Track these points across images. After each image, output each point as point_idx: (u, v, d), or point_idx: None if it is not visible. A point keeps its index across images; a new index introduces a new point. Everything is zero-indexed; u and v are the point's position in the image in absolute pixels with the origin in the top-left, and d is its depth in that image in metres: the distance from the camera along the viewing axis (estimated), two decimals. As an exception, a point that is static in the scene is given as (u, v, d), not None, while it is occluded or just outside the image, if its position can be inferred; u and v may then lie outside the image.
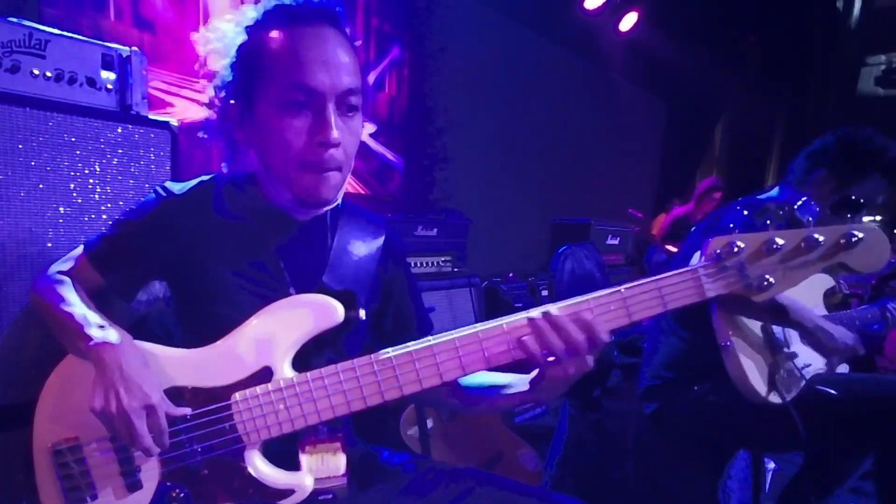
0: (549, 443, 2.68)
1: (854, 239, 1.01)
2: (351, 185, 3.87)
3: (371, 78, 3.96)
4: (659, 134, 8.06)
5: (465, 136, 4.52)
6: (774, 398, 1.84)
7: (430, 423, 2.30)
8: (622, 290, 1.01)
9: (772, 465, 2.66)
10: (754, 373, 1.85)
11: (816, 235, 1.02)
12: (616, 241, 4.43)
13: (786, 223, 1.90)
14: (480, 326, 1.03)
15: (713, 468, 2.24)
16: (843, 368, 2.10)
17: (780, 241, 1.02)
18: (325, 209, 1.20)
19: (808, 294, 2.05)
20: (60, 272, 1.18)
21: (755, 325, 1.90)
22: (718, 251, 1.03)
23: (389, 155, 4.14)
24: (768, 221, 2.02)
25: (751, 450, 2.28)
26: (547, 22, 5.27)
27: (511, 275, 3.42)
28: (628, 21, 6.07)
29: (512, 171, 5.16)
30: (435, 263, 2.99)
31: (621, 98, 6.93)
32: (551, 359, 1.00)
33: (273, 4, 1.11)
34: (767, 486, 2.52)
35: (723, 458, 2.27)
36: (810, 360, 1.96)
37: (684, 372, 2.06)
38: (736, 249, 1.02)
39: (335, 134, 1.06)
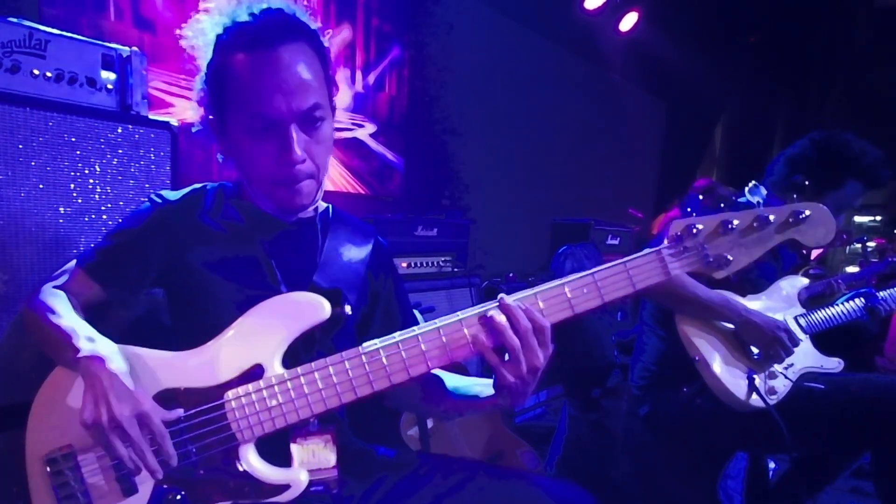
0: (549, 443, 2.68)
1: (801, 216, 1.08)
2: (351, 184, 3.87)
3: (371, 78, 3.95)
4: (659, 134, 8.05)
5: (465, 135, 4.52)
6: (757, 403, 1.83)
7: (430, 423, 2.30)
8: (594, 274, 1.07)
9: (772, 464, 2.66)
10: (731, 381, 1.85)
11: (767, 214, 1.09)
12: (616, 241, 4.43)
13: (738, 205, 1.94)
14: (462, 314, 1.05)
15: (712, 468, 2.24)
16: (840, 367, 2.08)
17: (734, 221, 1.09)
18: (309, 210, 1.26)
19: (778, 298, 2.05)
20: (55, 287, 1.17)
21: (725, 334, 1.90)
22: (679, 233, 1.09)
23: (389, 155, 4.14)
24: (722, 205, 2.06)
25: (744, 451, 2.27)
26: (547, 22, 5.26)
27: (511, 275, 3.42)
28: (628, 21, 6.06)
29: (512, 170, 5.15)
30: (435, 263, 2.99)
31: (621, 98, 6.91)
32: (506, 357, 1.01)
33: (234, 25, 1.13)
34: (769, 486, 2.51)
35: (721, 458, 2.26)
36: (792, 360, 1.94)
37: (669, 370, 2.06)
38: (695, 231, 1.08)
39: (298, 153, 1.11)
